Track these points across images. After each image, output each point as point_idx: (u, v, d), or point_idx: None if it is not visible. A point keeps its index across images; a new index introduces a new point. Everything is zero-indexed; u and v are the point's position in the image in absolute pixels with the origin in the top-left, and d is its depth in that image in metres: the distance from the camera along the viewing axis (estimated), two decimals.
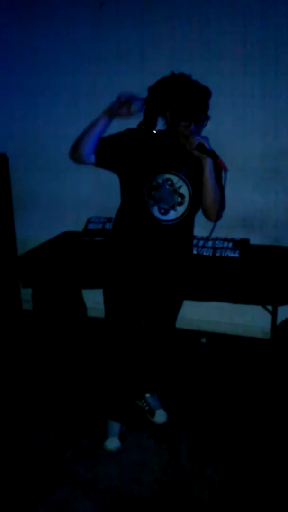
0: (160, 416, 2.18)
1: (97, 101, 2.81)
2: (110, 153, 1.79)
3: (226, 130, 2.67)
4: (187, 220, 1.89)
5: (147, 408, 2.21)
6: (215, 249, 2.52)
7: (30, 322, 2.93)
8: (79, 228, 2.89)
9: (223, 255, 2.47)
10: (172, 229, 1.85)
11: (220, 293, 2.39)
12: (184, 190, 1.82)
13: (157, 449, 2.01)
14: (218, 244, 2.56)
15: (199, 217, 2.80)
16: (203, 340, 2.90)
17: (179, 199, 1.82)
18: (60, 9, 2.83)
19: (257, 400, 2.32)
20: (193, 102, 1.71)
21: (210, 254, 2.49)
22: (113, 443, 2.02)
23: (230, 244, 2.54)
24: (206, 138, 1.74)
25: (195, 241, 2.62)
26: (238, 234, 2.70)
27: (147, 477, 1.86)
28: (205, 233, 2.73)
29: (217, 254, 2.48)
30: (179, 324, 2.97)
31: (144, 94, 1.78)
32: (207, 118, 1.79)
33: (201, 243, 2.58)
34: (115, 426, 2.06)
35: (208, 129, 2.65)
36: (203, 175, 1.77)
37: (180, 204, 1.83)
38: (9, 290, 3.14)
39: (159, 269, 1.93)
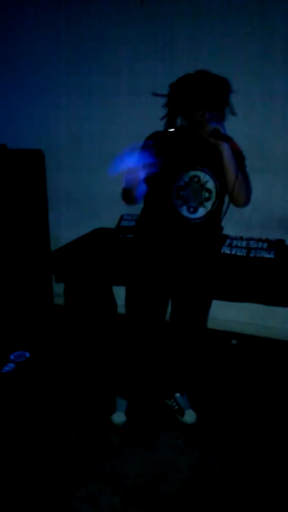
0: (189, 416, 2.17)
1: (131, 100, 2.87)
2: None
3: (263, 130, 2.63)
4: (215, 214, 1.88)
5: (176, 407, 2.20)
6: (249, 249, 2.48)
7: (61, 317, 2.97)
8: (112, 225, 2.90)
9: (257, 255, 2.43)
10: (202, 225, 1.85)
11: (253, 294, 2.34)
12: (210, 185, 1.81)
13: (187, 449, 2.00)
14: (253, 244, 2.51)
15: (233, 216, 2.80)
16: (234, 342, 2.86)
17: (207, 194, 1.82)
18: (103, 7, 2.84)
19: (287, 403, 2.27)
20: (206, 90, 1.72)
21: (244, 255, 2.45)
22: (120, 417, 2.15)
23: (265, 245, 2.49)
24: (221, 124, 1.74)
25: (228, 241, 2.59)
26: (274, 235, 2.65)
27: (176, 476, 1.85)
28: (239, 233, 2.72)
29: (251, 255, 2.44)
30: (210, 324, 2.97)
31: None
32: (223, 107, 1.78)
33: (235, 243, 2.55)
34: (122, 402, 2.18)
35: (245, 129, 2.65)
36: (223, 161, 1.76)
37: (208, 199, 1.82)
38: (42, 285, 3.19)
39: (189, 266, 1.92)
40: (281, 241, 2.57)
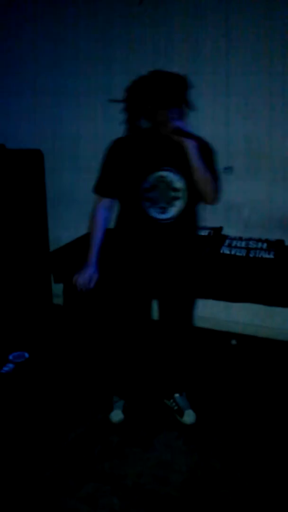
0: (189, 416, 2.17)
1: None
2: (118, 184, 1.87)
3: (262, 130, 2.64)
4: (187, 213, 1.87)
5: (176, 408, 2.20)
6: (249, 249, 2.47)
7: (60, 317, 2.97)
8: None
9: (257, 256, 2.43)
10: (174, 225, 1.85)
11: (253, 294, 2.34)
12: (178, 184, 1.81)
13: (186, 449, 2.00)
14: (252, 244, 2.51)
15: (234, 217, 2.80)
16: (233, 342, 2.86)
17: (175, 194, 1.82)
18: (99, 8, 2.84)
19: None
20: (164, 89, 1.73)
21: (244, 255, 2.45)
22: (117, 416, 2.15)
23: (265, 245, 2.49)
24: (183, 122, 1.75)
25: (228, 241, 2.59)
26: (273, 235, 2.65)
27: (175, 477, 1.85)
28: (239, 233, 2.72)
29: (251, 255, 2.44)
30: (210, 324, 2.97)
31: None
32: (182, 104, 1.78)
33: (234, 243, 2.55)
34: (119, 401, 2.19)
35: (245, 130, 2.65)
36: (189, 158, 1.75)
37: (176, 198, 1.82)
38: (41, 285, 3.18)
39: (166, 268, 1.93)
40: (281, 242, 2.57)
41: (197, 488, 1.79)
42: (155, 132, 1.80)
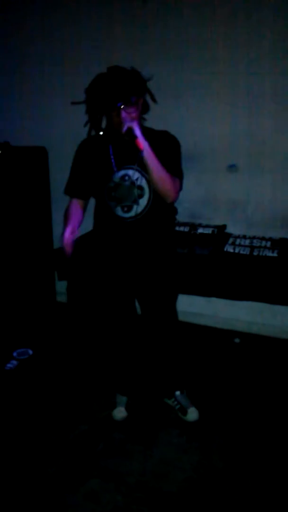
0: (192, 414, 2.16)
1: None
2: (86, 184, 1.91)
3: (266, 128, 2.62)
4: (154, 210, 1.88)
5: (178, 406, 2.20)
6: (252, 248, 2.47)
7: (64, 314, 2.98)
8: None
9: (260, 254, 2.42)
10: (140, 223, 1.86)
11: (257, 293, 2.35)
12: (142, 182, 1.82)
13: (189, 447, 2.00)
14: (256, 243, 2.51)
15: (238, 216, 2.79)
16: (237, 340, 2.85)
17: (139, 192, 1.83)
18: (103, 7, 2.83)
19: None
20: (113, 90, 1.71)
21: (247, 253, 2.44)
22: (120, 413, 2.16)
23: (269, 244, 2.49)
24: (135, 122, 1.73)
25: (232, 239, 2.58)
26: (277, 233, 2.64)
27: (178, 474, 1.85)
28: (243, 231, 2.72)
29: (255, 253, 2.43)
30: (213, 322, 2.97)
31: None
32: (138, 100, 1.77)
33: (238, 241, 2.54)
34: (122, 398, 2.21)
35: (249, 128, 2.63)
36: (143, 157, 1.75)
37: (141, 196, 1.84)
38: (45, 282, 3.19)
39: (137, 265, 1.95)
40: (285, 240, 2.56)
41: (199, 486, 1.80)
42: (114, 130, 1.81)
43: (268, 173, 2.68)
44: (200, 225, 2.70)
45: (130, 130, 1.72)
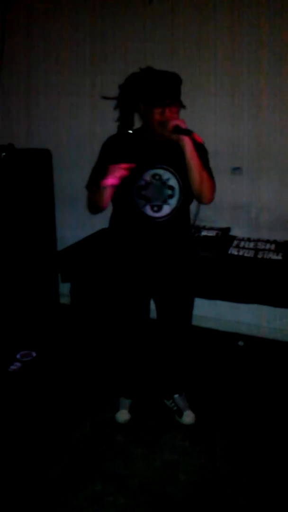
0: (187, 417, 2.16)
1: None
2: None
3: (271, 130, 2.62)
4: (181, 212, 1.87)
5: (175, 408, 2.19)
6: (257, 250, 2.46)
7: (67, 316, 2.97)
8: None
9: (265, 257, 2.41)
10: (168, 224, 1.84)
11: (261, 295, 2.33)
12: (173, 182, 1.81)
13: (192, 450, 1.99)
14: (260, 245, 2.50)
15: (242, 218, 2.79)
16: (241, 343, 2.84)
17: (170, 192, 1.81)
18: (106, 8, 2.84)
19: None
20: (162, 87, 1.71)
21: (252, 256, 2.44)
22: (123, 416, 2.16)
23: (273, 246, 2.48)
24: (181, 120, 1.73)
25: (236, 242, 2.58)
26: (281, 236, 2.64)
27: (181, 478, 1.84)
28: (247, 234, 2.71)
29: (259, 256, 2.42)
30: (217, 325, 2.96)
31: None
32: (179, 102, 1.77)
33: (242, 244, 2.54)
34: (125, 401, 2.20)
35: (254, 130, 2.63)
36: (186, 156, 1.73)
37: (171, 196, 1.82)
38: (48, 284, 3.19)
39: (161, 266, 1.92)
40: None
41: (202, 489, 1.79)
42: (150, 129, 1.79)
43: (273, 175, 2.68)
44: (204, 228, 2.70)
45: (178, 127, 1.70)
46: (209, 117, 2.69)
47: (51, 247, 3.17)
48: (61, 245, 3.02)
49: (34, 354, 2.73)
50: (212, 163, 2.76)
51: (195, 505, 1.72)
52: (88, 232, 2.96)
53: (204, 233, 2.64)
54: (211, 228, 2.69)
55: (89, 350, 2.77)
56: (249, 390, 2.40)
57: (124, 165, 1.69)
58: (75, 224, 3.16)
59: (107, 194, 1.76)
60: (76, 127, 3.11)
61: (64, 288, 2.99)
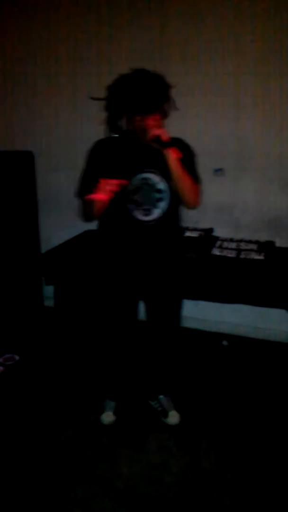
0: (172, 417, 2.17)
1: None
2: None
3: (252, 132, 2.66)
4: (171, 214, 1.88)
5: (160, 409, 2.20)
6: (239, 251, 2.49)
7: (51, 319, 2.96)
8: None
9: (247, 257, 2.44)
10: (158, 227, 1.85)
11: (244, 295, 2.35)
12: (162, 185, 1.82)
13: (178, 450, 2.00)
14: (243, 246, 2.53)
15: (224, 219, 2.81)
16: (225, 343, 2.87)
17: (159, 195, 1.82)
18: (92, 8, 2.84)
19: (278, 405, 2.28)
20: (142, 96, 1.68)
21: (234, 256, 2.46)
22: (108, 417, 2.17)
23: (255, 246, 2.51)
24: (162, 130, 1.71)
25: (219, 242, 2.60)
26: (263, 236, 2.67)
27: (167, 478, 1.85)
28: (230, 234, 2.74)
29: (241, 256, 2.45)
30: (201, 325, 2.98)
31: None
32: (162, 110, 1.75)
33: (225, 244, 2.56)
34: (110, 403, 2.21)
35: (236, 131, 2.66)
36: (170, 167, 1.73)
37: (160, 200, 1.83)
38: (32, 287, 3.17)
39: (151, 269, 1.93)
40: (271, 243, 2.59)
41: (189, 489, 1.79)
42: (135, 132, 1.79)
43: (255, 176, 2.71)
44: (187, 228, 2.71)
45: (158, 139, 1.68)
46: (191, 118, 2.71)
47: (35, 249, 3.15)
48: (45, 248, 3.01)
49: (17, 357, 2.71)
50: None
51: (181, 505, 1.73)
52: (72, 234, 2.95)
53: (187, 234, 2.65)
54: (195, 229, 2.71)
55: (73, 352, 2.76)
56: (234, 389, 2.42)
57: (115, 181, 1.68)
58: (59, 226, 3.15)
59: (100, 206, 1.76)
60: (59, 129, 3.10)
61: (48, 290, 2.98)
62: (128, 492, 1.78)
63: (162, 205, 1.83)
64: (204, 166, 2.77)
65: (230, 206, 2.81)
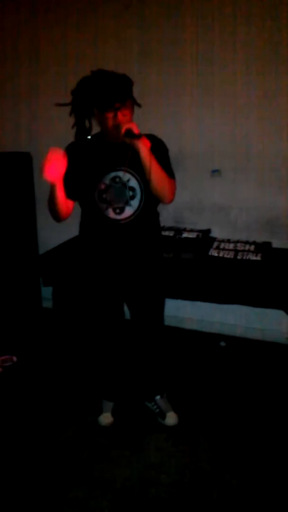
0: (171, 418, 2.17)
1: None
2: (74, 187, 1.82)
3: (249, 133, 2.66)
4: (146, 212, 1.88)
5: (157, 410, 2.20)
6: (236, 251, 2.49)
7: (49, 320, 2.96)
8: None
9: (244, 258, 2.44)
10: (132, 225, 1.85)
11: (241, 296, 2.36)
12: (133, 183, 1.82)
13: (175, 451, 2.00)
14: (240, 247, 2.53)
15: (222, 220, 2.82)
16: (222, 344, 2.87)
17: (131, 193, 1.82)
18: (87, 8, 2.85)
19: (276, 405, 2.29)
20: (110, 92, 1.70)
21: (232, 257, 2.46)
22: (106, 419, 2.17)
23: (252, 247, 2.51)
24: (133, 124, 1.72)
25: (216, 243, 2.61)
26: (260, 237, 2.68)
27: (164, 479, 1.85)
28: (227, 235, 2.74)
29: (239, 257, 2.45)
30: (199, 326, 2.99)
31: None
32: (131, 103, 1.77)
33: (222, 245, 2.57)
34: (108, 404, 2.21)
35: (232, 131, 2.67)
36: (141, 159, 1.73)
37: (132, 197, 1.83)
38: (30, 288, 3.17)
39: (129, 269, 1.94)
40: (268, 244, 2.60)
41: (186, 490, 1.80)
42: (105, 132, 1.80)
43: (252, 177, 2.72)
44: (185, 230, 2.72)
45: (130, 131, 1.69)
46: (187, 119, 2.72)
47: (33, 250, 3.16)
48: (43, 249, 3.01)
49: (15, 359, 2.71)
50: (191, 166, 2.81)
51: (179, 506, 1.73)
52: (70, 235, 2.94)
53: (185, 235, 2.66)
54: (192, 230, 2.72)
55: (71, 354, 2.76)
56: (231, 390, 2.43)
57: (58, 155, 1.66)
58: (57, 227, 3.13)
59: (62, 204, 1.78)
60: (57, 130, 3.09)
61: (46, 292, 2.98)
62: (126, 493, 1.78)
63: (135, 203, 1.83)
64: (201, 167, 2.82)
65: (227, 207, 2.81)
